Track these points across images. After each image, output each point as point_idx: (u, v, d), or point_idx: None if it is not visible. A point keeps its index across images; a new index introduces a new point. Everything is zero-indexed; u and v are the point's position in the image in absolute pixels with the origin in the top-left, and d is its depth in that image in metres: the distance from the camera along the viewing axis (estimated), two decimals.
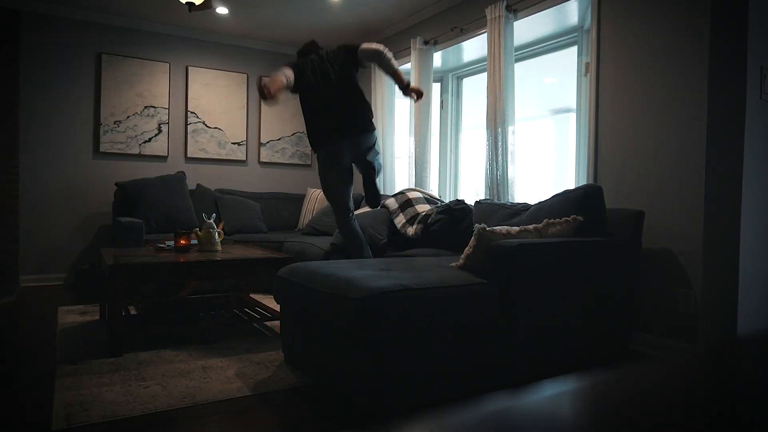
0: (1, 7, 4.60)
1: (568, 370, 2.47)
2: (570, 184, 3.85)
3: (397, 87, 3.42)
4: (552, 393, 0.42)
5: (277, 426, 1.90)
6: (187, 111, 5.44)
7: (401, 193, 4.18)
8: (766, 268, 2.75)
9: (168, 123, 5.33)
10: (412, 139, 4.72)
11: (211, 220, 3.44)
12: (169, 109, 5.34)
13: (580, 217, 2.52)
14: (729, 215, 2.63)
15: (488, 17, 3.83)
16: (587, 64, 3.45)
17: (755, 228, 2.68)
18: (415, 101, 3.54)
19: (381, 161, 3.63)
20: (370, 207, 3.52)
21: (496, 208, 3.33)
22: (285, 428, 1.88)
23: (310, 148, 6.08)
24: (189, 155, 5.45)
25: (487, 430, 0.36)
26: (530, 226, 2.48)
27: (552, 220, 2.53)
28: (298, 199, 5.69)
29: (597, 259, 2.52)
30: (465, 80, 4.94)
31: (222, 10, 4.82)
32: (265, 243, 4.61)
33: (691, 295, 2.75)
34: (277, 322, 3.40)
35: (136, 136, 5.18)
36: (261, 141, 5.82)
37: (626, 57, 3.10)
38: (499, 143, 3.79)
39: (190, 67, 5.43)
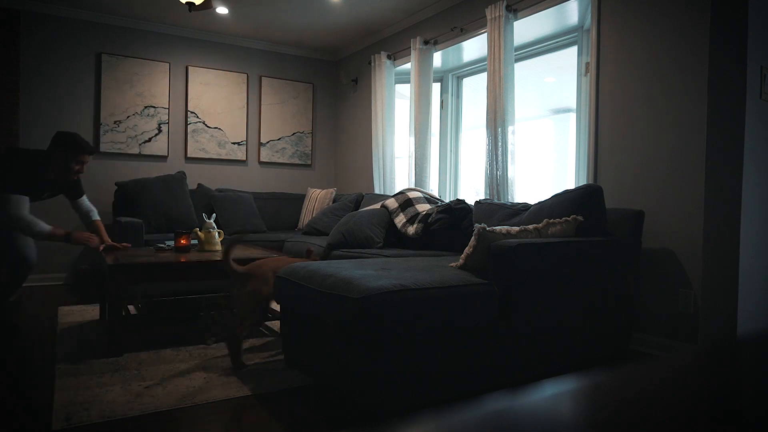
0: (1, 7, 4.60)
1: (568, 370, 2.47)
2: (570, 184, 3.85)
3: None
4: (552, 393, 0.42)
5: (277, 426, 1.90)
6: (187, 111, 5.44)
7: (401, 192, 4.18)
8: (766, 268, 2.75)
9: (168, 123, 5.34)
10: (412, 139, 4.72)
11: (211, 220, 3.44)
12: (169, 109, 5.34)
13: (580, 217, 2.52)
14: (729, 215, 2.63)
15: (488, 17, 3.83)
16: (587, 64, 3.45)
17: (755, 228, 2.68)
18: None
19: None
20: None
21: (496, 208, 3.33)
22: (285, 428, 1.88)
23: (310, 148, 6.10)
24: (189, 155, 5.45)
25: (487, 430, 0.36)
26: (530, 226, 2.48)
27: (552, 219, 2.53)
28: (298, 199, 5.69)
29: (597, 259, 2.52)
30: (465, 80, 4.94)
31: (222, 10, 4.82)
32: (265, 243, 4.62)
33: (691, 295, 2.75)
34: (277, 322, 3.40)
35: (136, 136, 5.18)
36: (261, 141, 5.82)
37: (626, 57, 3.10)
38: (499, 143, 3.79)
39: (190, 67, 5.43)
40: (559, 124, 4.29)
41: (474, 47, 4.48)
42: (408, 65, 4.98)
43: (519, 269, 2.22)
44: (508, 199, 3.76)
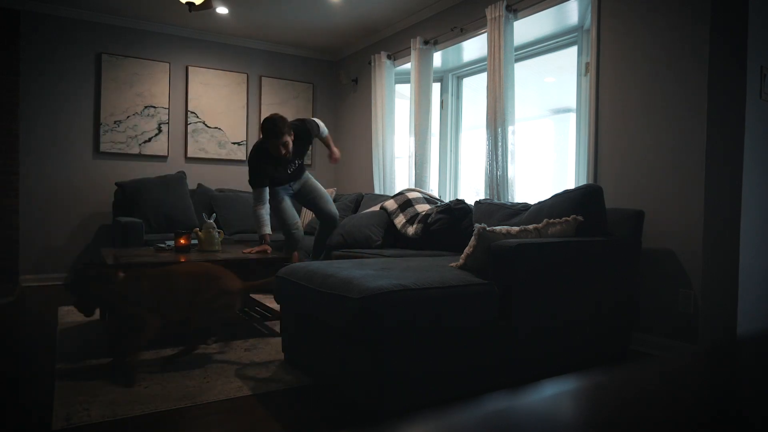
0: (1, 7, 4.60)
1: (568, 370, 2.47)
2: (570, 184, 3.85)
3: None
4: (552, 393, 0.42)
5: (277, 426, 1.90)
6: (187, 111, 5.44)
7: (400, 193, 4.18)
8: (766, 268, 2.75)
9: (168, 123, 5.33)
10: (412, 139, 4.72)
11: (211, 220, 3.44)
12: (169, 109, 5.34)
13: (580, 217, 2.51)
14: (729, 215, 2.63)
15: (488, 17, 3.83)
16: (587, 64, 3.45)
17: (755, 228, 2.68)
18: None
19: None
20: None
21: (496, 208, 3.33)
22: (285, 428, 1.88)
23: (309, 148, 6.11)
24: (189, 155, 5.44)
25: (487, 430, 0.36)
26: (530, 226, 2.48)
27: (552, 219, 2.53)
28: None
29: (597, 259, 2.52)
30: (465, 80, 4.93)
31: (222, 10, 4.82)
32: None
33: (691, 295, 2.75)
34: (277, 322, 3.40)
35: (136, 136, 5.18)
36: None
37: (626, 57, 3.10)
38: (499, 143, 3.79)
39: (190, 67, 5.43)
40: (559, 124, 4.29)
41: (474, 47, 4.47)
42: (408, 65, 4.98)
43: (519, 269, 2.22)
44: (508, 199, 3.76)
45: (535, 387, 0.43)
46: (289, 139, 3.36)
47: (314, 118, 3.67)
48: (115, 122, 5.08)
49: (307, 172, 3.87)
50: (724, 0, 2.65)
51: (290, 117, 5.97)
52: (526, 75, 4.25)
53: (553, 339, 2.38)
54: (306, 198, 3.85)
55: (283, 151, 3.34)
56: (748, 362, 0.57)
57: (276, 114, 3.37)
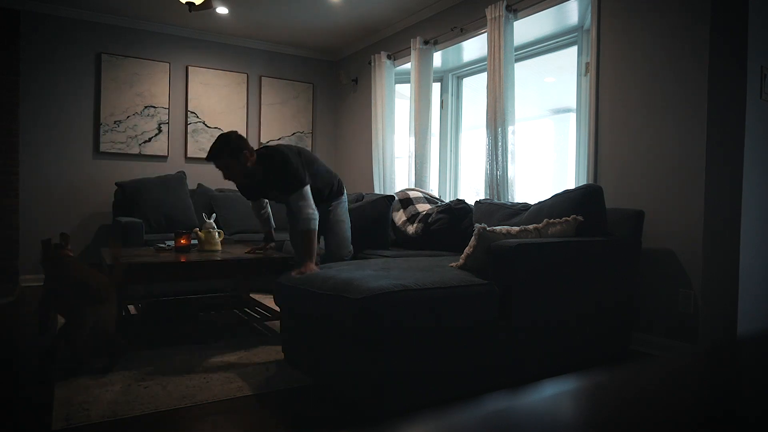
0: (1, 7, 4.60)
1: (568, 370, 2.47)
2: (570, 184, 3.85)
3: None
4: (552, 393, 0.42)
5: (277, 426, 1.90)
6: (187, 111, 5.44)
7: (401, 191, 4.18)
8: (766, 268, 2.75)
9: (168, 123, 5.33)
10: (412, 139, 4.72)
11: (211, 220, 3.44)
12: (169, 109, 5.34)
13: (580, 217, 2.51)
14: (729, 215, 2.63)
15: (488, 17, 3.83)
16: (587, 64, 3.45)
17: (755, 228, 2.68)
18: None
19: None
20: None
21: (496, 208, 3.33)
22: (285, 428, 1.88)
23: (310, 148, 6.10)
24: (189, 155, 5.44)
25: (487, 430, 0.36)
26: (530, 226, 2.48)
27: (552, 219, 2.53)
28: None
29: (597, 259, 2.52)
30: (465, 80, 4.93)
31: (222, 10, 4.82)
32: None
33: (691, 295, 2.75)
34: (277, 322, 3.40)
35: (136, 136, 5.18)
36: (261, 141, 5.81)
37: (626, 57, 3.10)
38: (499, 143, 3.79)
39: (190, 67, 5.43)
40: (559, 124, 4.29)
41: (474, 47, 4.47)
42: (408, 65, 4.98)
43: (519, 269, 2.22)
44: (508, 199, 3.76)
45: (535, 387, 0.43)
46: (232, 163, 2.84)
47: (301, 175, 2.88)
48: (115, 122, 5.08)
49: (337, 203, 3.29)
50: (724, 0, 2.65)
51: (290, 117, 5.98)
52: (526, 75, 4.25)
53: (553, 339, 2.37)
54: (322, 230, 3.21)
55: (224, 174, 2.91)
56: (748, 362, 0.57)
57: (230, 133, 2.90)
